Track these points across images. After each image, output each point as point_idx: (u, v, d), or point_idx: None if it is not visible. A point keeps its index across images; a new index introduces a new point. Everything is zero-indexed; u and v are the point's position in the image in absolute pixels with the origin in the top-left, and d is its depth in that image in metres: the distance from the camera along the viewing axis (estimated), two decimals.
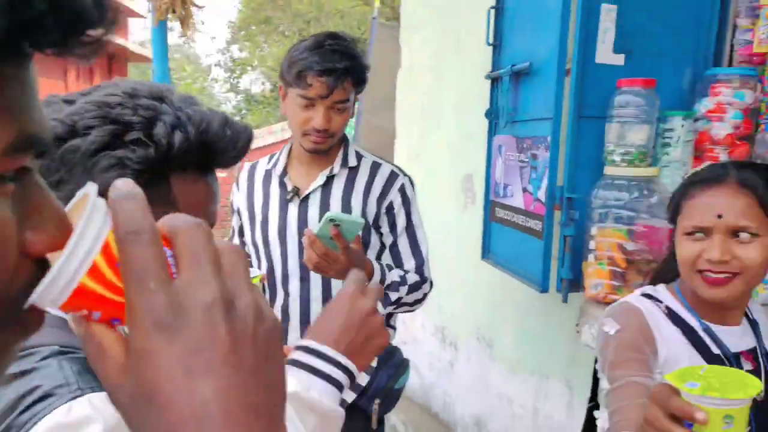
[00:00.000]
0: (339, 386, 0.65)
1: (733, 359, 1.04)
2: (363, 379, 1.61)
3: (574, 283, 1.82)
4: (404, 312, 1.68)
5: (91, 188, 0.33)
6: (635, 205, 1.64)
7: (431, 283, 1.66)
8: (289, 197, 1.57)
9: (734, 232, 1.00)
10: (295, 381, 0.62)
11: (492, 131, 2.27)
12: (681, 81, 1.78)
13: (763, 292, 1.63)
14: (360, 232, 1.40)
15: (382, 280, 1.52)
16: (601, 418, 1.04)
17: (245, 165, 1.78)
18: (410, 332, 3.51)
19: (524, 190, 2.03)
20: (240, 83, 22.57)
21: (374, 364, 1.63)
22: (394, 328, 1.73)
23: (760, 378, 1.06)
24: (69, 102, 0.65)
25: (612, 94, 1.68)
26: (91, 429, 0.52)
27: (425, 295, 1.64)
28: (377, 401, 1.62)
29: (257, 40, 17.57)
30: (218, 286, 0.31)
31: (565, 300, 1.84)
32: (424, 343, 3.39)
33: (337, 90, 1.46)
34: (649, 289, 1.16)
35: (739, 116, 1.60)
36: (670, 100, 1.73)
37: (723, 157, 1.63)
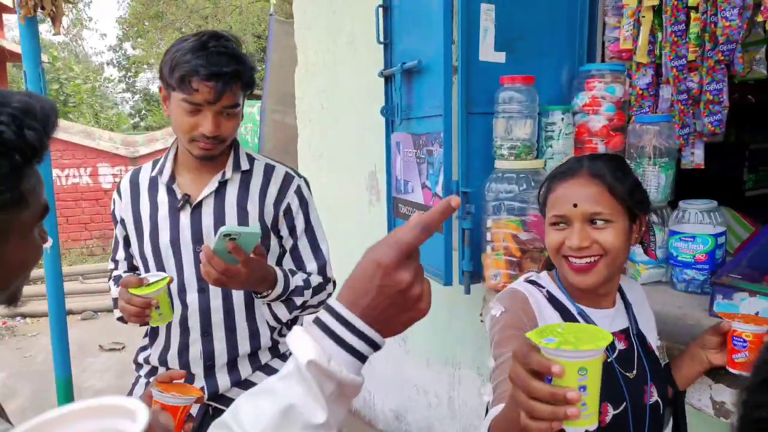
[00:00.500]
0: (362, 358, 0.62)
1: None
2: None
3: (475, 274, 1.87)
4: (310, 314, 1.66)
5: (145, 414, 0.34)
6: (525, 196, 1.71)
7: (334, 282, 1.65)
8: (179, 205, 1.50)
9: (590, 220, 1.08)
10: (318, 348, 0.59)
11: (389, 128, 2.29)
12: (559, 77, 1.87)
13: (644, 272, 1.76)
14: (258, 242, 1.36)
15: (286, 287, 1.49)
16: (486, 393, 1.08)
17: (127, 173, 1.68)
18: None
19: (423, 185, 2.06)
20: (137, 82, 21.46)
21: None
22: None
23: (633, 356, 1.14)
24: None
25: (496, 90, 1.74)
26: None
27: (329, 295, 1.63)
28: None
29: (152, 36, 16.73)
30: None
31: (467, 292, 1.90)
32: None
33: (226, 95, 1.40)
34: (533, 275, 1.22)
35: (612, 109, 1.70)
36: (550, 95, 1.82)
37: (601, 147, 1.74)
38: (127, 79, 21.30)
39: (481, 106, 1.79)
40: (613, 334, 1.13)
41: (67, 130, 8.54)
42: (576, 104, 1.79)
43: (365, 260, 0.62)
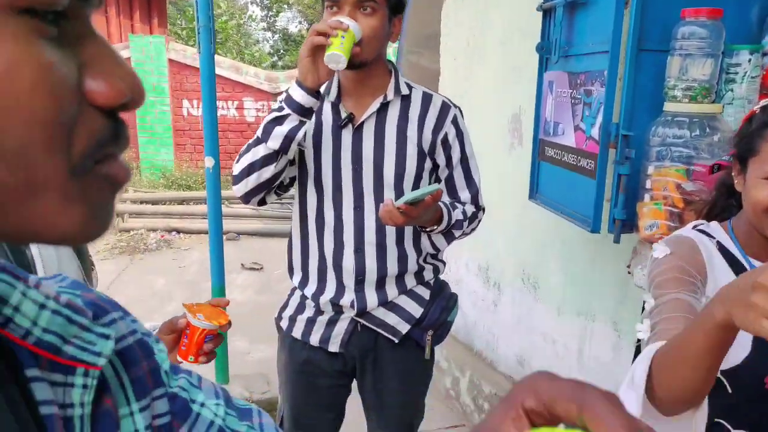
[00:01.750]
0: None
1: None
2: (417, 311, 1.65)
3: (627, 223, 1.79)
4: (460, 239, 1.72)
5: None
6: (696, 143, 1.58)
7: (484, 209, 1.71)
8: (342, 123, 1.57)
9: None
10: None
11: (542, 67, 2.19)
12: (749, 12, 1.67)
13: None
14: (435, 192, 1.42)
15: (449, 222, 1.56)
16: (642, 331, 1.05)
17: None
18: (453, 272, 3.55)
19: (576, 128, 1.97)
20: (277, 22, 22.25)
21: (427, 297, 1.67)
22: (444, 262, 1.77)
23: None
24: None
25: (674, 25, 1.59)
26: None
27: (479, 222, 1.71)
28: (430, 332, 1.67)
29: None
30: None
31: (617, 240, 1.82)
32: (468, 282, 3.42)
33: None
34: (703, 224, 1.15)
35: None
36: (736, 32, 1.63)
37: None
38: (268, 19, 22.15)
39: (654, 43, 1.66)
40: None
41: (218, 64, 9.11)
42: (766, 44, 1.59)
43: None
